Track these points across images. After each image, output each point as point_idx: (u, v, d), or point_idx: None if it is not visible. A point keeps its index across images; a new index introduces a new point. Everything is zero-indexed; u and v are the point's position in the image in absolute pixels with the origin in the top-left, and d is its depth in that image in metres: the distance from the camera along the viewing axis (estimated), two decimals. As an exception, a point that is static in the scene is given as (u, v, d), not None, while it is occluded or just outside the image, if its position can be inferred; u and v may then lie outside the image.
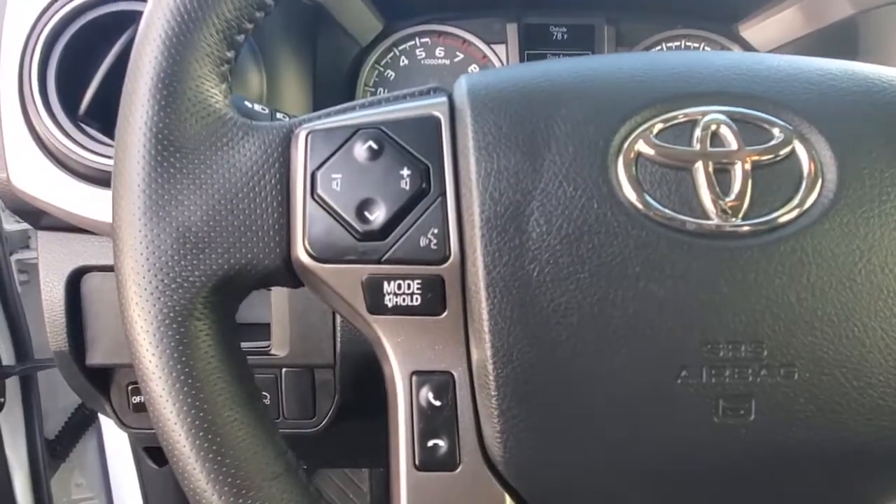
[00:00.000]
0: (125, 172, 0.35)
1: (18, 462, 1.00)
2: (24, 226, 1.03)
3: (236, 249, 0.35)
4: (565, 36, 0.76)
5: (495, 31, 0.76)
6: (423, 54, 0.76)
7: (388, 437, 0.37)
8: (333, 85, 0.74)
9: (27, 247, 1.05)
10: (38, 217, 0.60)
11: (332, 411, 0.65)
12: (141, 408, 0.68)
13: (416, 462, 0.35)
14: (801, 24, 0.70)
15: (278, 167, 0.36)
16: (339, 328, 0.62)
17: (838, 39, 0.70)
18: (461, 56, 0.76)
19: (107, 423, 1.04)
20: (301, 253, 0.35)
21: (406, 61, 0.76)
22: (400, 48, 0.76)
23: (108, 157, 0.55)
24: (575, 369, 0.33)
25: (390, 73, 0.76)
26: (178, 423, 0.33)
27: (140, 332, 0.34)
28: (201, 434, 0.33)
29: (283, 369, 0.63)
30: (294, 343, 0.62)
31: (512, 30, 0.75)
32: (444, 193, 0.35)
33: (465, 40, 0.76)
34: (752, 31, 0.74)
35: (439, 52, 0.76)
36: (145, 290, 0.34)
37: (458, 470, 0.35)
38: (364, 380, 0.63)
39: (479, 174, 0.34)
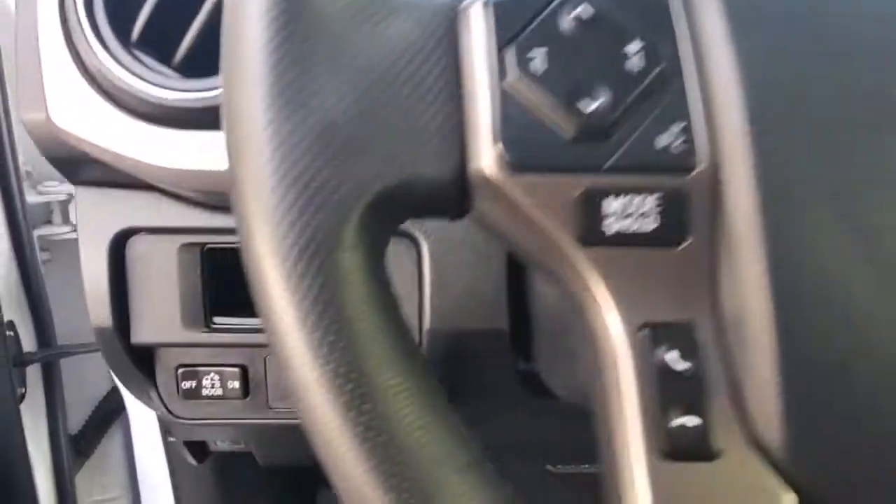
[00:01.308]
0: (239, 53, 0.25)
1: (41, 457, 0.91)
2: (47, 198, 0.94)
3: (395, 155, 0.25)
4: None
5: None
6: None
7: (605, 416, 0.27)
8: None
9: (49, 221, 0.96)
10: (78, 167, 0.51)
11: None
12: (191, 394, 0.59)
13: (659, 447, 0.26)
14: None
15: (446, 46, 0.26)
16: (427, 300, 0.52)
17: None
18: None
19: (134, 417, 0.96)
20: (485, 160, 0.26)
21: None
22: None
23: (170, 90, 0.46)
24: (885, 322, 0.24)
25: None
26: (331, 394, 0.24)
27: (269, 268, 0.24)
28: (359, 408, 0.24)
29: None
30: None
31: None
32: (683, 75, 0.26)
33: None
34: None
35: None
36: (276, 208, 0.25)
37: (717, 457, 0.26)
38: (455, 359, 0.54)
39: (737, 47, 0.25)
